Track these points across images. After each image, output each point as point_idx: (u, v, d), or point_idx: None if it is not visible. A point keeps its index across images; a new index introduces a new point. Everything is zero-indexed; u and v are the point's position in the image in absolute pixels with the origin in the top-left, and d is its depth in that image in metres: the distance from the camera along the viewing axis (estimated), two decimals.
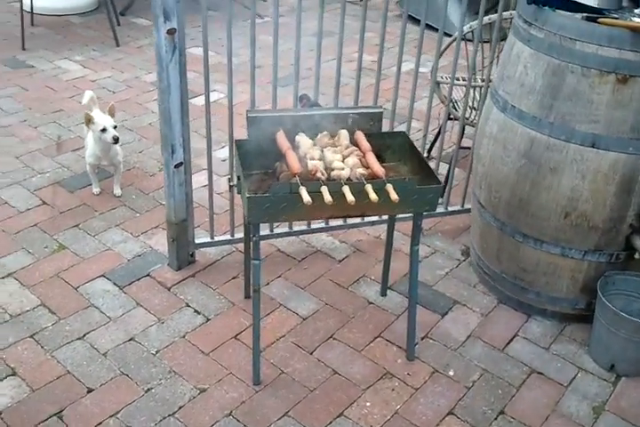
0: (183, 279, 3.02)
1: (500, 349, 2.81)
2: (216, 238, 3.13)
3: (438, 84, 3.59)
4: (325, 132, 2.44)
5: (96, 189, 3.61)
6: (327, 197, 2.10)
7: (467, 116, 3.44)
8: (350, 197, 2.11)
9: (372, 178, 2.29)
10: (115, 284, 2.97)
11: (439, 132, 3.91)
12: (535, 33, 2.46)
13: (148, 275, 3.04)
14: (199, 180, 3.54)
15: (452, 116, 3.63)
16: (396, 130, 3.18)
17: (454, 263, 3.29)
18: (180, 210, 2.89)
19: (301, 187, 2.13)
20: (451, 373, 2.67)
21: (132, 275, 3.02)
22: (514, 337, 2.87)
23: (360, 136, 2.45)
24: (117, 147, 3.49)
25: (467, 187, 3.46)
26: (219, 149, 3.96)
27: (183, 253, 3.02)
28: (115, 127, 3.36)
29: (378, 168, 2.28)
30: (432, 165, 3.77)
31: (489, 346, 2.81)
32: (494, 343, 2.83)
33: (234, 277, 3.06)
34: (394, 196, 2.15)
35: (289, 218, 2.34)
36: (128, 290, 2.94)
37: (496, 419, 2.49)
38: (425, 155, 3.93)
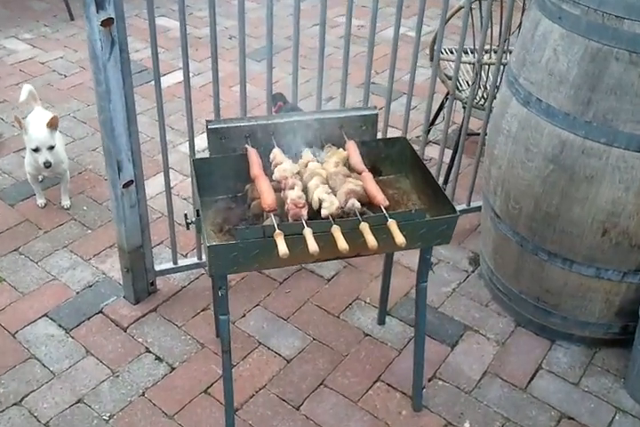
0: (142, 316, 2.52)
1: (523, 387, 2.36)
2: (180, 262, 2.62)
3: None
4: (307, 150, 1.92)
5: (40, 201, 3.07)
6: (312, 246, 1.60)
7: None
8: (343, 245, 1.61)
9: (370, 205, 1.79)
10: (60, 326, 2.47)
11: (438, 112, 3.39)
12: (569, 9, 1.93)
13: (100, 312, 2.54)
14: (161, 182, 3.01)
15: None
16: (382, 107, 2.64)
17: (462, 276, 2.82)
18: (133, 236, 2.38)
19: (277, 231, 1.63)
20: (466, 425, 2.22)
21: (82, 313, 2.52)
22: (537, 371, 2.43)
23: (352, 149, 1.94)
24: (61, 152, 2.94)
25: (474, 181, 2.96)
26: (184, 142, 3.44)
27: (141, 284, 2.52)
28: (51, 148, 2.81)
29: (379, 197, 1.77)
30: (434, 152, 3.30)
31: (509, 385, 2.37)
32: (515, 381, 2.39)
33: (203, 309, 2.57)
34: (399, 239, 1.65)
35: (263, 266, 1.84)
36: (76, 333, 2.44)
37: None
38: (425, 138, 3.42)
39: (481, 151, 2.85)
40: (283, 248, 1.59)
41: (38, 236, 2.90)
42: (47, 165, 2.79)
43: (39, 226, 2.96)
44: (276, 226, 1.65)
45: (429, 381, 2.36)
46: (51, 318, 2.50)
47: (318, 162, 1.88)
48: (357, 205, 1.74)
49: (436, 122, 3.43)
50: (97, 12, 1.87)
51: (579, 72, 1.96)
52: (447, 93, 3.05)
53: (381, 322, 2.56)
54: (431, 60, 2.94)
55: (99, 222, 2.99)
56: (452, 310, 2.66)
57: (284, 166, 1.83)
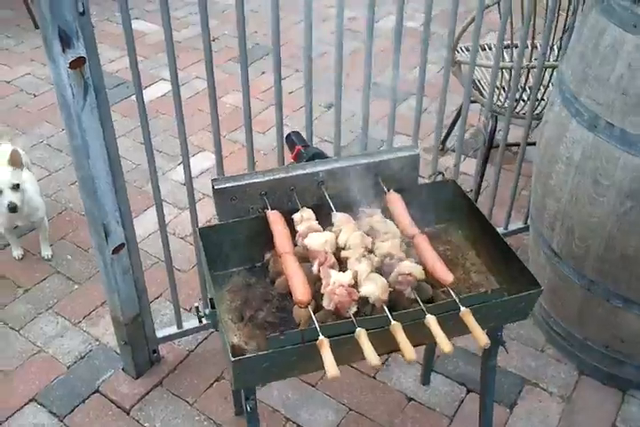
0: (146, 393, 2.15)
1: None
2: (186, 325, 2.24)
3: (459, 63, 2.68)
4: (345, 218, 1.53)
5: (17, 253, 2.67)
6: (370, 357, 1.23)
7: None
8: (410, 355, 1.25)
9: (428, 281, 1.43)
10: (51, 412, 2.09)
11: (456, 118, 3.02)
12: None
13: (96, 391, 2.16)
14: (152, 219, 2.63)
15: (472, 99, 2.74)
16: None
17: None
18: (129, 306, 2.00)
19: (321, 339, 1.26)
20: None
21: (75, 393, 2.14)
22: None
23: (398, 206, 1.56)
24: (35, 198, 2.54)
25: (513, 200, 2.59)
26: (175, 168, 3.06)
27: (142, 355, 2.15)
28: (16, 187, 2.39)
29: (442, 274, 1.40)
30: (450, 159, 2.93)
31: None
32: None
33: (216, 380, 2.20)
34: (483, 340, 1.30)
35: (302, 373, 1.47)
36: (71, 421, 2.07)
37: None
38: (439, 147, 3.04)
39: (520, 166, 2.48)
40: (332, 369, 1.23)
41: (18, 296, 2.51)
42: (12, 206, 2.35)
43: (18, 283, 2.56)
44: (318, 329, 1.27)
45: None
46: (40, 404, 2.11)
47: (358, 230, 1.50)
48: (413, 295, 1.37)
49: (455, 128, 3.06)
50: (63, 51, 1.47)
51: None
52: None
53: (426, 382, 2.21)
54: (454, 64, 2.57)
55: (86, 274, 2.60)
56: (505, 357, 2.30)
57: (321, 237, 1.45)
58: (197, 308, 1.49)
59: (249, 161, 1.89)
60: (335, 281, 1.37)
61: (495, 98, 2.62)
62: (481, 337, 1.31)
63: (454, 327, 1.39)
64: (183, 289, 2.39)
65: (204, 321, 1.59)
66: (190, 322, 2.25)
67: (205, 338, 2.33)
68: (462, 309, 1.36)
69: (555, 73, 2.49)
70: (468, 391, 2.19)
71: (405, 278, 1.38)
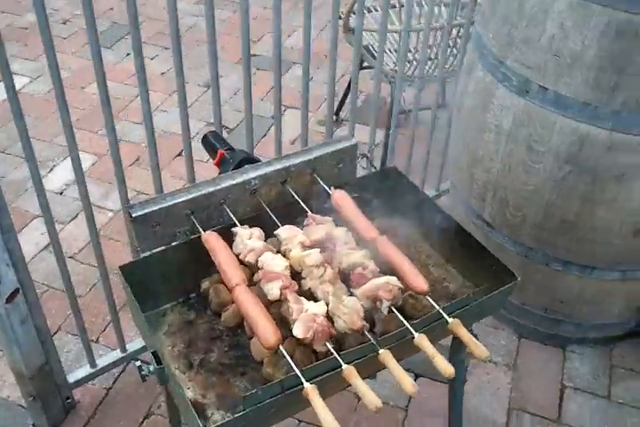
0: None
1: (555, 419, 2.02)
2: (100, 362, 1.95)
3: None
4: (293, 232, 1.32)
5: None
6: (369, 399, 1.06)
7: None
8: (411, 389, 1.09)
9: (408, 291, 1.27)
10: None
11: (349, 87, 2.84)
12: None
13: None
14: (32, 238, 2.27)
15: (365, 64, 2.59)
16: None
17: None
18: (32, 357, 1.68)
19: (308, 386, 1.07)
20: None
21: None
22: (562, 392, 2.09)
23: (345, 203, 1.36)
24: None
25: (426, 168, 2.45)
26: (47, 175, 2.68)
27: (55, 407, 1.84)
28: None
29: (418, 283, 1.23)
30: (344, 130, 2.76)
31: (540, 420, 2.01)
32: (545, 412, 2.03)
33: (146, 417, 1.94)
34: (480, 352, 1.16)
35: (279, 421, 1.25)
36: None
37: None
38: (333, 117, 2.86)
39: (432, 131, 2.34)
40: (328, 419, 1.04)
41: None
42: None
43: None
44: (301, 375, 1.08)
45: None
46: None
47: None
48: (390, 311, 1.21)
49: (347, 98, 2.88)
50: None
51: (599, 51, 1.50)
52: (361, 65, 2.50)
53: (372, 375, 2.07)
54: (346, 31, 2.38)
55: None
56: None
57: (280, 261, 1.23)
58: (140, 367, 1.24)
59: (188, 173, 1.62)
60: (309, 310, 1.17)
61: (391, 62, 2.47)
62: (478, 349, 1.17)
63: (439, 335, 1.25)
64: (84, 317, 2.08)
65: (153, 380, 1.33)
66: (103, 358, 1.96)
67: (122, 371, 2.05)
68: (450, 320, 1.21)
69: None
70: (417, 376, 2.08)
71: (388, 292, 1.20)
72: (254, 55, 3.40)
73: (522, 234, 1.90)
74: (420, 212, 1.48)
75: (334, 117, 2.92)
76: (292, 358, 1.25)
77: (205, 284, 1.38)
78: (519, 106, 1.68)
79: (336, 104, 2.86)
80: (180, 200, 1.31)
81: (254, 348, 1.29)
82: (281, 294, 1.22)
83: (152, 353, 1.23)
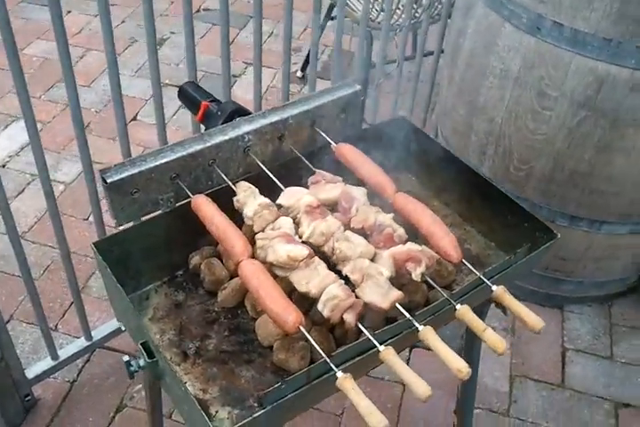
0: None
1: (559, 383, 1.92)
2: (62, 353, 1.72)
3: None
4: (295, 192, 1.11)
5: None
6: (418, 385, 0.89)
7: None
8: (465, 369, 0.92)
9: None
10: None
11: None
12: None
13: None
14: None
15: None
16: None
17: None
18: None
19: (343, 376, 0.89)
20: None
21: None
22: (564, 355, 1.98)
23: (354, 156, 1.17)
24: None
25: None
26: None
27: (12, 407, 1.62)
28: None
29: (452, 252, 1.06)
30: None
31: (544, 386, 1.92)
32: (548, 377, 1.94)
33: (117, 410, 1.73)
34: (538, 323, 1.00)
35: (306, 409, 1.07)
36: None
37: None
38: (299, 74, 2.65)
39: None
40: (378, 418, 0.86)
41: None
42: None
43: None
44: (330, 363, 0.90)
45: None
46: None
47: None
48: (424, 278, 1.04)
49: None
50: None
51: None
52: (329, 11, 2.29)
53: None
54: None
55: None
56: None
57: (285, 230, 1.03)
58: (129, 362, 1.03)
59: (160, 136, 1.38)
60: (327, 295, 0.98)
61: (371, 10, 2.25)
62: (534, 320, 1.01)
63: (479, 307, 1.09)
64: (29, 305, 1.84)
65: (137, 376, 1.12)
66: (66, 348, 1.73)
67: (87, 361, 1.83)
68: (495, 287, 1.05)
69: None
70: (412, 347, 1.94)
71: (428, 259, 1.03)
72: (207, 10, 3.14)
73: (527, 189, 1.75)
74: (435, 165, 1.30)
75: (301, 73, 2.71)
76: (306, 340, 1.07)
77: (195, 259, 1.17)
78: (529, 46, 1.50)
79: (300, 59, 2.65)
80: (162, 161, 1.08)
81: (261, 331, 1.10)
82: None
83: (141, 344, 1.02)
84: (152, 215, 1.14)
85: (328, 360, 0.92)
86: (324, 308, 0.98)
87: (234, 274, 1.17)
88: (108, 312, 1.91)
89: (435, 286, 1.05)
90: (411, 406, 1.82)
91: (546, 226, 1.19)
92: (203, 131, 1.17)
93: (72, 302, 1.92)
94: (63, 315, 1.93)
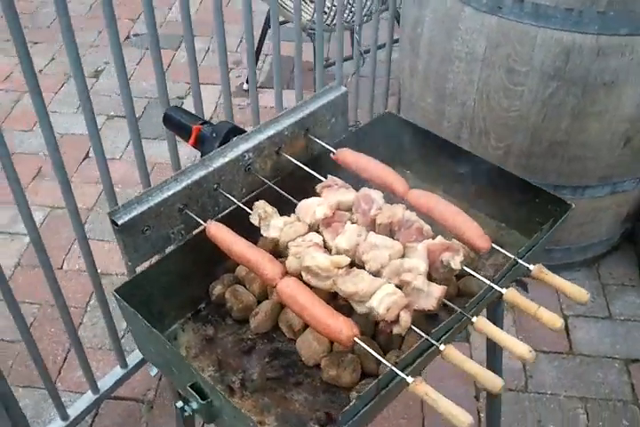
0: None
1: (568, 351, 1.96)
2: (72, 412, 1.62)
3: None
4: (309, 204, 1.08)
5: None
6: (492, 380, 0.88)
7: None
8: (528, 354, 0.91)
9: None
10: None
11: (262, 39, 2.58)
12: None
13: None
14: None
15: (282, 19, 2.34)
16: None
17: None
18: None
19: (415, 381, 0.87)
20: None
21: None
22: (566, 323, 2.01)
23: (355, 159, 1.14)
24: None
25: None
26: None
27: None
28: None
29: (479, 238, 1.05)
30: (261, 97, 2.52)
31: (554, 355, 1.94)
32: (556, 347, 1.97)
33: None
34: (580, 293, 1.01)
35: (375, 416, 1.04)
36: None
37: None
38: (245, 86, 2.61)
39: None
40: (463, 416, 0.84)
41: None
42: None
43: None
44: (398, 371, 0.88)
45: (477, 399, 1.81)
46: None
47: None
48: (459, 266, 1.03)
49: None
50: None
51: None
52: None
53: None
54: None
55: None
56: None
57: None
58: (182, 408, 0.97)
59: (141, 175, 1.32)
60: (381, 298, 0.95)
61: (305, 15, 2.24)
62: (581, 291, 1.01)
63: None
64: (26, 362, 1.75)
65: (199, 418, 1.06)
66: (74, 406, 1.63)
67: (96, 414, 1.74)
68: (532, 266, 1.05)
69: None
70: None
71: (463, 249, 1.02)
72: (137, 35, 3.05)
73: (507, 166, 1.73)
74: (430, 154, 1.29)
75: (247, 86, 2.67)
76: (353, 351, 1.05)
77: (218, 289, 1.13)
78: (492, 26, 1.51)
79: (245, 71, 2.61)
80: (169, 193, 1.03)
81: (304, 351, 1.07)
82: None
83: (191, 387, 0.97)
84: (166, 252, 1.09)
85: (395, 369, 0.90)
86: (379, 305, 0.94)
87: (260, 298, 1.13)
88: (104, 361, 1.85)
89: (474, 273, 1.04)
90: None
91: (558, 198, 1.19)
92: (198, 156, 1.12)
93: (65, 358, 1.85)
94: (59, 372, 1.84)
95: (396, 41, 2.18)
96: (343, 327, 0.92)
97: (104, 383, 1.67)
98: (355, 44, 1.92)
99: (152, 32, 1.29)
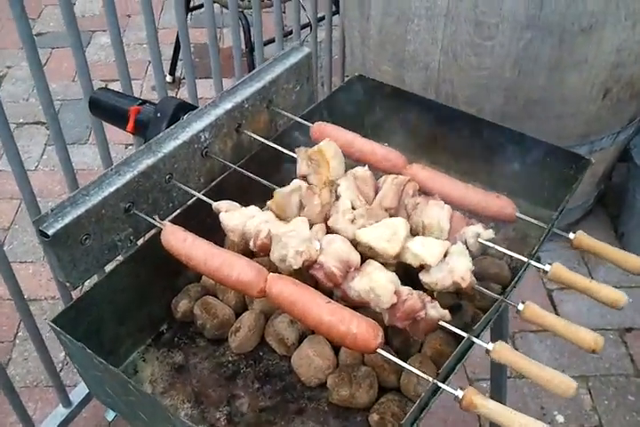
0: None
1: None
2: None
3: None
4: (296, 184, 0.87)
5: None
6: (565, 382, 0.73)
7: None
8: (594, 343, 0.77)
9: None
10: None
11: (178, 42, 2.33)
12: None
13: None
14: None
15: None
16: None
17: None
18: None
19: (466, 393, 0.69)
20: (559, 418, 1.64)
21: None
22: (551, 297, 1.90)
23: (335, 133, 0.93)
24: None
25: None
26: None
27: None
28: None
29: (507, 207, 0.87)
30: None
31: (545, 334, 1.82)
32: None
33: None
34: (622, 298, 0.86)
35: None
36: None
37: None
38: (168, 78, 2.38)
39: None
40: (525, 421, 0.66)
41: None
42: None
43: None
44: (442, 384, 0.69)
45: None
46: None
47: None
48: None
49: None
50: None
51: None
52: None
53: None
54: None
55: None
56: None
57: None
58: None
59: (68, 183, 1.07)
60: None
61: None
62: (617, 294, 0.85)
63: None
64: None
65: None
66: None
67: None
68: (572, 235, 0.94)
69: None
70: None
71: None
72: (39, 34, 2.74)
73: None
74: (423, 118, 1.10)
75: (170, 78, 2.42)
76: (364, 363, 0.85)
77: (183, 303, 0.91)
78: None
79: (168, 64, 2.37)
80: (111, 190, 0.80)
81: (302, 369, 0.86)
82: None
83: None
84: (113, 265, 0.86)
85: (441, 385, 0.71)
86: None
87: (238, 309, 0.91)
88: (43, 401, 1.63)
89: (507, 251, 0.86)
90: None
91: (574, 153, 1.02)
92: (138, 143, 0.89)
93: None
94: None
95: (336, 13, 1.99)
96: (369, 335, 0.72)
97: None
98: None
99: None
